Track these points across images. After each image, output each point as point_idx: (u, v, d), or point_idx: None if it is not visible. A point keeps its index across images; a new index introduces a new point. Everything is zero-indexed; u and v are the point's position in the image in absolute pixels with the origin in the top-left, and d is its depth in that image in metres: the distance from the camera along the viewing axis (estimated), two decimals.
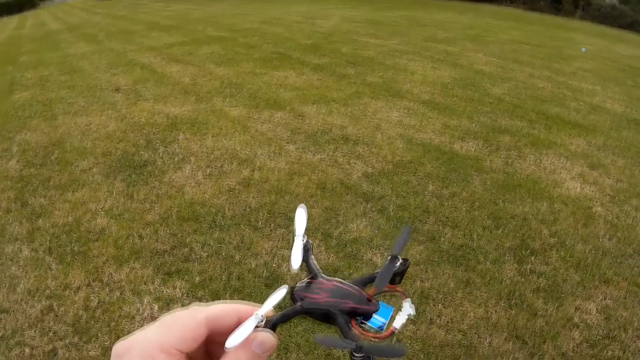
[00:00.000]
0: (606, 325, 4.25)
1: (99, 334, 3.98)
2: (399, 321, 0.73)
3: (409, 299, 0.75)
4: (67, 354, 3.82)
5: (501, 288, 4.58)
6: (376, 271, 0.79)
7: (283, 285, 0.71)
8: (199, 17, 24.62)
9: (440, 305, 4.34)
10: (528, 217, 5.77)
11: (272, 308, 0.69)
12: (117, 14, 30.57)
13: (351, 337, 0.71)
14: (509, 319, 4.22)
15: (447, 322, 4.17)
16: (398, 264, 0.78)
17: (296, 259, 0.80)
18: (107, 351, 3.82)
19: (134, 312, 4.21)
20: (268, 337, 0.68)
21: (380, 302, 0.76)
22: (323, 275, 0.80)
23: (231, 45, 15.41)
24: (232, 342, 0.63)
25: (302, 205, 0.85)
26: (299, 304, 0.75)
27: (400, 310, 0.74)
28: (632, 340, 4.12)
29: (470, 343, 3.97)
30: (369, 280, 0.79)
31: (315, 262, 0.82)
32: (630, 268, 5.03)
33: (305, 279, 0.80)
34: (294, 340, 3.89)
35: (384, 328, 0.73)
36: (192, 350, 0.65)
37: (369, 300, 0.76)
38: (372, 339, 0.72)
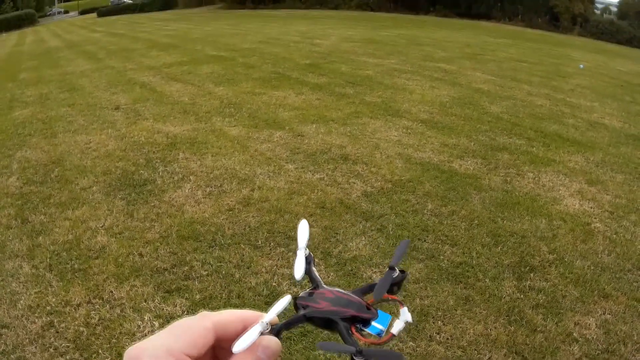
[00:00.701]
0: (605, 339, 4.26)
1: (100, 351, 3.98)
2: (397, 327, 0.75)
3: (406, 307, 0.77)
4: None
5: (500, 305, 4.58)
6: (375, 281, 0.81)
7: (287, 295, 0.74)
8: (198, 37, 24.73)
9: (439, 322, 4.35)
10: (527, 235, 5.78)
11: (276, 316, 0.72)
12: (116, 32, 30.69)
13: (352, 342, 0.73)
14: (508, 335, 4.22)
15: (447, 338, 4.17)
16: (396, 274, 0.80)
17: (299, 271, 0.83)
18: None
19: (135, 329, 4.22)
20: (273, 342, 0.70)
21: (379, 310, 0.78)
22: (324, 285, 0.83)
23: (230, 65, 15.47)
24: (239, 346, 0.66)
25: (305, 220, 0.87)
26: (302, 312, 0.78)
27: (398, 318, 0.76)
28: (632, 353, 4.12)
29: (470, 359, 3.98)
30: (368, 290, 0.82)
31: (316, 273, 0.85)
32: (629, 283, 5.04)
33: (308, 289, 0.82)
34: (294, 358, 3.89)
35: (383, 334, 0.75)
36: (201, 356, 0.67)
37: (368, 308, 0.78)
38: (372, 344, 0.74)
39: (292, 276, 0.84)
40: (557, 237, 5.80)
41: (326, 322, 0.77)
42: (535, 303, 4.64)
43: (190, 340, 0.66)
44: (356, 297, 0.79)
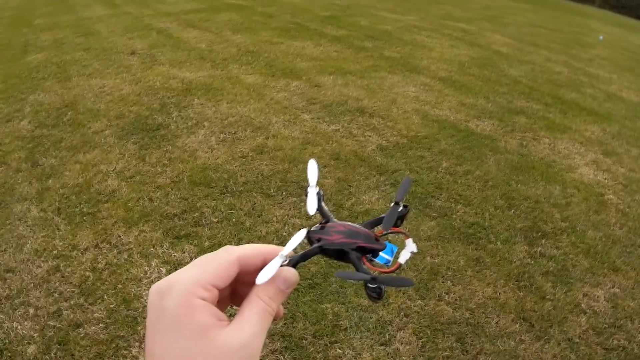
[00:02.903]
0: (613, 313, 4.23)
1: (105, 296, 3.98)
2: (404, 257, 0.81)
3: (411, 239, 0.83)
4: (72, 315, 3.82)
5: (511, 269, 4.56)
6: (382, 215, 0.88)
7: (302, 229, 0.80)
8: None
9: (449, 282, 4.33)
10: (540, 200, 5.74)
11: (293, 249, 0.77)
12: None
13: (364, 270, 0.80)
14: (517, 301, 4.20)
15: (456, 299, 4.16)
16: (400, 209, 0.87)
17: (312, 206, 0.89)
18: (112, 313, 3.83)
19: (142, 274, 4.21)
20: (291, 273, 0.76)
21: (386, 242, 0.84)
22: (335, 219, 0.88)
23: (249, 14, 15.33)
24: (262, 278, 0.71)
25: (313, 160, 0.93)
26: (316, 244, 0.83)
27: (404, 248, 0.82)
28: (638, 331, 4.10)
29: (477, 322, 3.96)
30: (376, 223, 0.88)
31: (326, 208, 0.91)
32: None
33: (319, 224, 0.87)
34: (301, 310, 3.89)
35: (391, 263, 0.83)
36: (225, 287, 0.74)
37: (377, 239, 0.84)
38: (381, 273, 0.80)
39: (306, 214, 0.86)
40: (571, 205, 5.75)
41: (339, 253, 0.83)
42: (545, 270, 4.61)
43: (216, 273, 0.72)
44: (365, 230, 0.85)
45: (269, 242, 0.82)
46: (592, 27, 22.91)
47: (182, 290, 0.68)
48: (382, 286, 0.77)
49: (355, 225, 0.85)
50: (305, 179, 0.90)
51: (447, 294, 4.20)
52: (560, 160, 6.81)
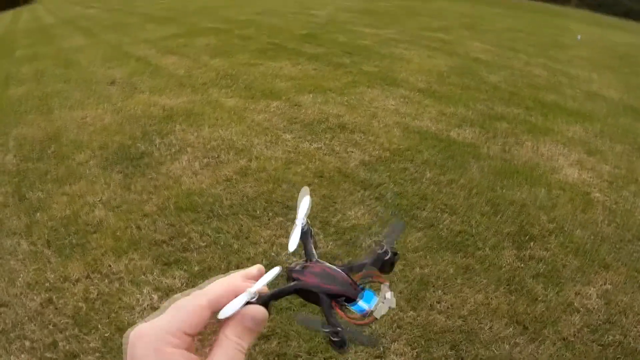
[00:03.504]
0: (607, 310, 4.27)
1: (99, 325, 3.98)
2: (380, 312, 0.77)
3: (391, 292, 0.78)
4: (68, 346, 3.82)
5: (501, 274, 4.58)
6: (366, 260, 0.82)
7: (277, 266, 0.78)
8: (195, 9, 24.53)
9: (440, 291, 4.35)
10: (526, 203, 5.78)
11: (266, 286, 0.77)
12: (112, 7, 30.51)
13: (332, 320, 0.77)
14: (509, 305, 4.23)
15: (447, 307, 4.18)
16: (389, 256, 0.81)
17: (293, 243, 0.86)
18: (107, 342, 3.84)
19: (134, 302, 4.21)
20: (259, 311, 0.76)
21: (366, 290, 0.79)
22: (317, 259, 0.84)
23: (226, 37, 15.36)
24: (224, 313, 0.72)
25: (306, 187, 0.89)
26: (291, 283, 0.80)
27: (384, 299, 0.78)
28: (633, 325, 4.13)
29: (470, 329, 3.98)
30: (358, 268, 0.82)
31: (312, 245, 0.86)
32: (630, 253, 5.05)
33: (302, 261, 0.84)
34: (295, 328, 3.89)
35: (367, 315, 0.77)
36: (198, 331, 0.74)
37: (354, 285, 0.79)
38: (352, 323, 0.78)
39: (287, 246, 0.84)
40: (557, 206, 5.80)
41: (311, 296, 0.80)
42: (535, 272, 4.65)
43: (186, 320, 0.72)
44: (342, 274, 0.81)
45: (257, 263, 0.83)
46: (570, 28, 23.10)
47: (151, 339, 0.69)
48: (345, 339, 0.77)
49: (333, 267, 0.82)
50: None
51: (438, 303, 4.22)
52: (544, 163, 6.85)
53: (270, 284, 0.78)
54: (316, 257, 0.85)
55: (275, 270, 0.77)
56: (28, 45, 17.07)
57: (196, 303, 0.74)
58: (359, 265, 0.82)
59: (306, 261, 0.84)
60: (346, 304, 0.79)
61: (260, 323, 0.75)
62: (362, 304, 0.78)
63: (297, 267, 0.82)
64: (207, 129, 7.63)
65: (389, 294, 0.78)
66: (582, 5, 42.18)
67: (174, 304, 0.74)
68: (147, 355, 0.68)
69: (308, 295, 0.80)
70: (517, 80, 11.21)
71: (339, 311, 0.78)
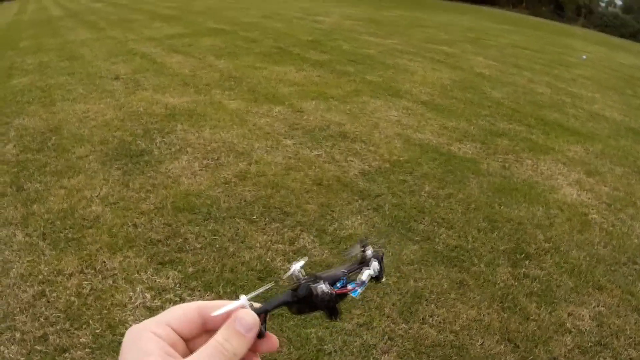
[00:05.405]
0: (599, 332, 4.26)
1: (90, 321, 3.97)
2: (362, 277, 0.84)
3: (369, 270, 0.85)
4: (58, 340, 3.80)
5: (495, 291, 4.58)
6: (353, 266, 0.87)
7: (269, 283, 0.85)
8: (200, 9, 24.54)
9: (433, 305, 4.34)
10: (523, 221, 5.78)
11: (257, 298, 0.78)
12: (118, 2, 30.50)
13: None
14: (501, 322, 4.22)
15: (440, 322, 4.17)
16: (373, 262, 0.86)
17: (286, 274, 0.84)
18: (97, 338, 3.82)
19: (126, 300, 4.20)
20: (247, 315, 0.75)
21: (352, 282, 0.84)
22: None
23: (232, 39, 15.38)
24: (217, 312, 0.75)
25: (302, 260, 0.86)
26: (282, 297, 0.82)
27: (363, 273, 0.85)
28: (624, 348, 4.12)
29: (462, 344, 3.97)
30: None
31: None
32: (624, 276, 5.04)
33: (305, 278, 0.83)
34: (286, 335, 3.88)
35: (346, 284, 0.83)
36: (191, 336, 0.78)
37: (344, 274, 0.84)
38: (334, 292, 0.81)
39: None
40: (554, 225, 5.79)
41: (304, 302, 0.81)
42: (529, 291, 4.64)
43: (174, 315, 0.77)
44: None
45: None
46: (575, 47, 23.15)
47: (139, 327, 0.73)
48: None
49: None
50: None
51: (431, 317, 4.21)
52: (543, 181, 6.86)
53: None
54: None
55: (267, 286, 0.82)
56: (33, 37, 17.05)
57: (187, 304, 0.79)
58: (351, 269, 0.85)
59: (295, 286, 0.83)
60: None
61: (248, 328, 0.75)
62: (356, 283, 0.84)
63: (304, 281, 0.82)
64: (208, 130, 7.64)
65: (366, 273, 0.84)
66: (588, 24, 42.29)
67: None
68: (132, 337, 0.73)
69: (299, 302, 0.81)
70: (520, 97, 11.23)
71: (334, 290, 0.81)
